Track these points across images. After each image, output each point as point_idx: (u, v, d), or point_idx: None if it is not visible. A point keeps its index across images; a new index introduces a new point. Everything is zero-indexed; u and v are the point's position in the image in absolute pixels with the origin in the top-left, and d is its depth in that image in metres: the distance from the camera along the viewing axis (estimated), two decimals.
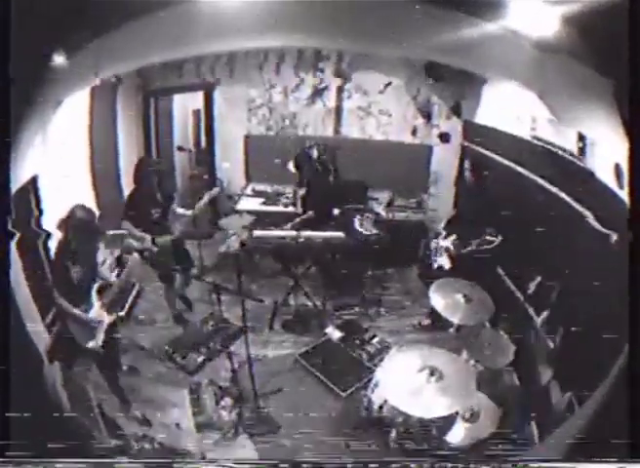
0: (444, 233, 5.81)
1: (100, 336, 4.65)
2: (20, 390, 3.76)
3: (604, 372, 3.87)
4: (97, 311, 4.68)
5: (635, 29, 3.73)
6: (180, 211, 6.04)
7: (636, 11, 3.72)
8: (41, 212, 5.02)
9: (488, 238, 5.40)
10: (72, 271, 4.65)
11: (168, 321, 6.17)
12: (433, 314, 5.85)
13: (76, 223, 4.71)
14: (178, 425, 4.90)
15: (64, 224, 4.74)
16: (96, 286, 4.76)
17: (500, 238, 5.38)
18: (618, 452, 3.67)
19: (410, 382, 4.16)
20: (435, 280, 5.29)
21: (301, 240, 6.28)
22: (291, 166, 6.94)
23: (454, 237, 5.66)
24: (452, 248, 5.62)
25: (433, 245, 5.85)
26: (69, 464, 3.77)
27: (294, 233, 6.31)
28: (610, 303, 3.96)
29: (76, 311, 4.64)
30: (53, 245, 4.87)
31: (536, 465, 3.85)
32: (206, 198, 6.09)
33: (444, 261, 5.70)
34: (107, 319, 4.71)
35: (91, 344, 4.63)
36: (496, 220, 5.43)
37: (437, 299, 5.05)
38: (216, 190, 6.38)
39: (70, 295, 4.66)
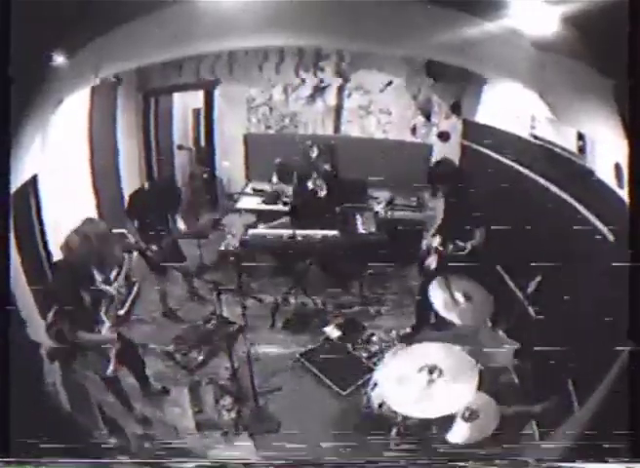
0: (432, 232, 5.80)
1: (113, 361, 4.61)
2: (20, 390, 3.77)
3: (604, 373, 3.88)
4: (107, 329, 4.63)
5: (635, 29, 3.73)
6: (180, 223, 6.09)
7: (636, 11, 3.73)
8: (40, 211, 5.03)
9: (460, 244, 5.42)
10: (82, 293, 4.54)
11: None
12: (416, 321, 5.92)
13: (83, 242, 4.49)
14: (177, 424, 4.91)
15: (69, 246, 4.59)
16: (104, 304, 4.69)
17: (469, 246, 5.40)
18: (618, 452, 3.68)
19: (409, 381, 4.17)
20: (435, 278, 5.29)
21: (298, 238, 6.29)
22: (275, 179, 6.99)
23: (439, 237, 5.65)
24: (439, 248, 5.61)
25: (424, 244, 5.84)
26: (69, 464, 3.79)
27: (290, 231, 6.32)
28: (610, 303, 3.96)
29: (93, 336, 4.59)
30: (54, 249, 4.86)
31: (536, 465, 3.86)
32: (204, 220, 6.19)
33: (432, 261, 5.70)
34: (116, 336, 4.66)
35: (108, 372, 4.60)
36: (495, 219, 5.43)
37: (437, 298, 5.06)
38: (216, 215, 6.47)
39: (84, 323, 4.53)
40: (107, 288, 4.68)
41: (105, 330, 4.59)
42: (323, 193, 6.63)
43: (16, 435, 3.74)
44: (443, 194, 5.66)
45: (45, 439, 3.78)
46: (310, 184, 6.65)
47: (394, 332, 5.94)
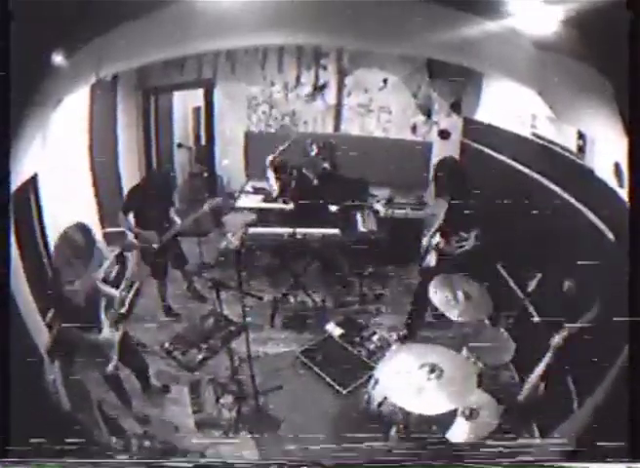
0: (433, 230, 5.79)
1: (115, 359, 4.62)
2: (20, 390, 3.77)
3: (604, 372, 3.88)
4: (107, 330, 4.63)
5: (635, 29, 3.74)
6: (175, 218, 6.10)
7: (636, 10, 3.73)
8: (40, 210, 5.03)
9: (463, 234, 5.43)
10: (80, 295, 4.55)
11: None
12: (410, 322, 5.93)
13: (72, 248, 4.52)
14: (178, 423, 4.92)
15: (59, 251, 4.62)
16: (103, 304, 4.69)
17: (472, 236, 5.41)
18: (618, 452, 3.69)
19: (410, 380, 4.16)
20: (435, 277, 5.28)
21: (299, 237, 6.29)
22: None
23: (439, 235, 5.65)
24: (441, 245, 5.61)
25: (425, 242, 5.84)
26: (69, 464, 3.79)
27: (290, 230, 6.31)
28: (610, 303, 3.97)
29: (92, 337, 4.59)
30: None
31: (536, 465, 3.87)
32: (205, 207, 6.19)
33: (431, 259, 5.71)
34: (117, 335, 4.68)
35: (109, 369, 4.61)
36: (495, 217, 5.43)
37: (436, 296, 5.06)
38: (216, 201, 6.44)
39: (80, 322, 4.51)
40: (111, 290, 4.71)
41: (106, 329, 4.60)
42: (315, 182, 6.65)
43: (16, 435, 3.75)
44: (447, 193, 5.65)
45: (45, 439, 3.79)
46: (305, 171, 6.68)
47: (394, 333, 5.95)
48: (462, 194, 5.46)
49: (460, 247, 5.49)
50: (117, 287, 5.05)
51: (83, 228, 4.52)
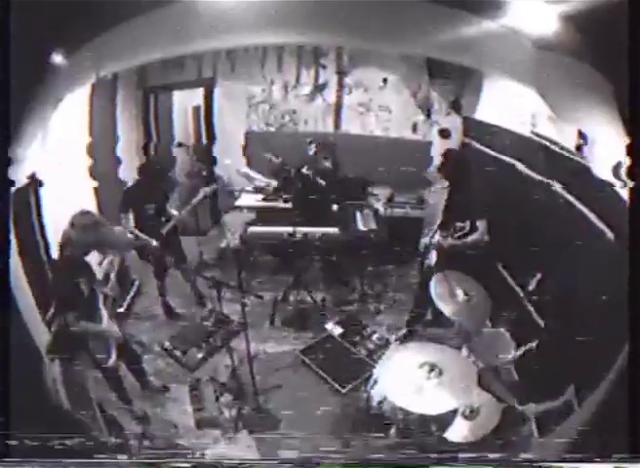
0: (433, 229, 5.79)
1: (114, 353, 4.62)
2: (20, 390, 3.77)
3: (604, 372, 3.89)
4: (107, 321, 4.64)
5: (635, 28, 3.74)
6: (173, 211, 6.10)
7: (636, 10, 3.73)
8: (41, 210, 5.03)
9: (459, 224, 5.42)
10: (81, 285, 4.54)
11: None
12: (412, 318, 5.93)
13: (79, 233, 4.55)
14: (177, 422, 4.92)
15: (66, 238, 4.60)
16: (101, 296, 4.69)
17: (468, 224, 5.41)
18: (618, 452, 3.69)
19: (409, 379, 4.17)
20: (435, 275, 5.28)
21: (298, 236, 6.30)
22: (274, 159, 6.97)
23: (439, 233, 5.65)
24: (441, 243, 5.61)
25: (426, 242, 5.84)
26: (69, 464, 3.79)
27: (290, 229, 6.32)
28: (610, 303, 3.97)
29: (94, 326, 4.58)
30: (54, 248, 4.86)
31: (536, 465, 3.87)
32: (201, 194, 6.20)
33: (432, 258, 5.71)
34: (117, 328, 4.69)
35: (110, 363, 4.61)
36: (495, 216, 5.43)
37: (436, 295, 5.06)
38: (211, 188, 6.44)
39: (83, 313, 4.49)
40: (102, 289, 4.71)
41: (105, 321, 4.60)
42: (319, 179, 6.65)
43: (16, 435, 3.75)
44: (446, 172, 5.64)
45: (45, 438, 3.79)
46: (305, 170, 6.68)
47: (394, 332, 5.95)
48: (463, 176, 5.48)
49: (463, 236, 5.46)
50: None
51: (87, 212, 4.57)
